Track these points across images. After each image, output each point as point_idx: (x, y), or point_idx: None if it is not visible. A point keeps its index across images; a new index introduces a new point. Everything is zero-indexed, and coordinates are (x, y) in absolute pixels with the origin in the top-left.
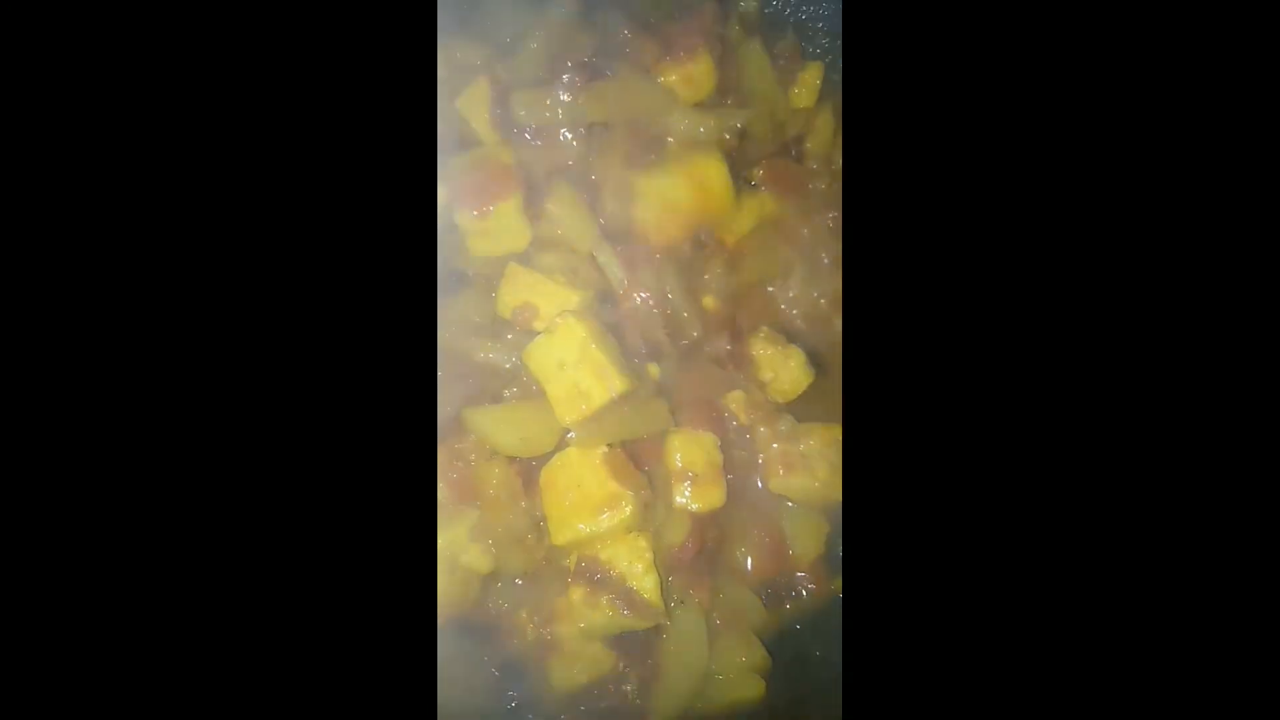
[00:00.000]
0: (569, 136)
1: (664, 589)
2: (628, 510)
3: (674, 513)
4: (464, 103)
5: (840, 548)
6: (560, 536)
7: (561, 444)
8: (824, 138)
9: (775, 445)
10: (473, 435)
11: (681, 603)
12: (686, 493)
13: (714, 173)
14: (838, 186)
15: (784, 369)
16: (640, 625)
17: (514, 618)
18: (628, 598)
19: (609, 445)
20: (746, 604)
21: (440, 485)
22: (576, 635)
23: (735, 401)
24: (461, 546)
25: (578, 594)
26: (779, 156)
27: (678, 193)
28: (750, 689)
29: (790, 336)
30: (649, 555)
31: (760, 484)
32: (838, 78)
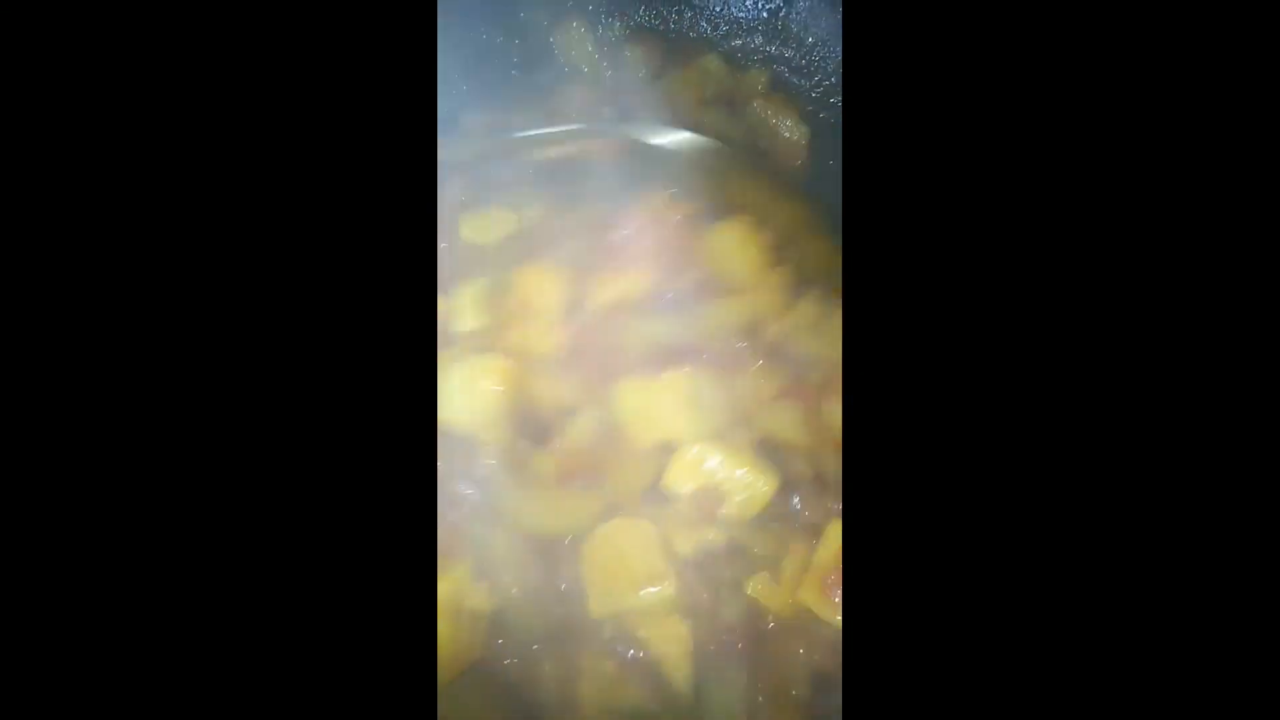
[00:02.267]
0: None
1: (699, 670)
2: (670, 589)
3: (739, 594)
4: None
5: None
6: (600, 609)
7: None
8: None
9: None
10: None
11: (720, 681)
12: (757, 586)
13: None
14: None
15: None
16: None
17: (537, 671)
18: (658, 684)
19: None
20: (794, 678)
21: (439, 528)
22: (600, 704)
23: None
24: (465, 591)
25: (608, 666)
26: None
27: None
28: None
29: None
30: (689, 644)
31: None
32: None
